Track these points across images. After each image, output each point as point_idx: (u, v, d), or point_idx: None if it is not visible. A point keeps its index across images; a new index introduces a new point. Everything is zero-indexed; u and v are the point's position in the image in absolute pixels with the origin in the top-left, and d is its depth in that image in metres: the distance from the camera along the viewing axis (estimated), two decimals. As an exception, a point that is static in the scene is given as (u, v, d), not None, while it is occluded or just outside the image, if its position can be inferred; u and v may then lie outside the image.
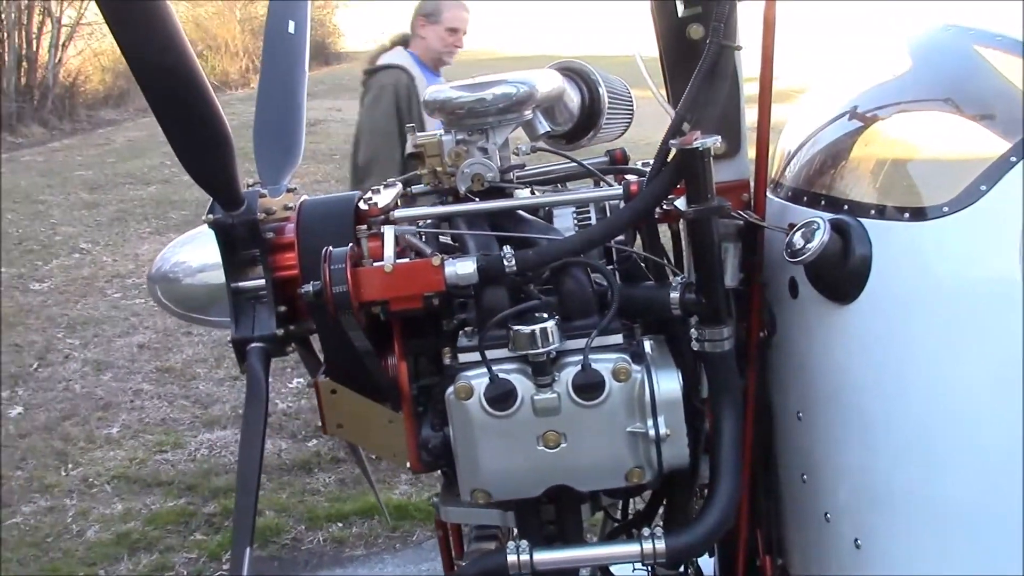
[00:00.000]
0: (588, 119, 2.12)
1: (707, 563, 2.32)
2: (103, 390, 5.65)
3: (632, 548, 1.70)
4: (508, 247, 1.71)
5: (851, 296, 1.68)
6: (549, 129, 2.00)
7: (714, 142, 1.62)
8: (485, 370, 1.66)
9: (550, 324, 1.64)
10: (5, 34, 20.14)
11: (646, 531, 1.71)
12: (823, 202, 1.78)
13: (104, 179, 11.94)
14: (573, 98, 2.08)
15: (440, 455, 1.77)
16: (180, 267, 2.11)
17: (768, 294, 1.93)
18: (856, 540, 1.76)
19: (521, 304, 1.69)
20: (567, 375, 1.66)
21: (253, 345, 1.94)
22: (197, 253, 2.09)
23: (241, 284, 1.96)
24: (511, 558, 1.71)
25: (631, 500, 2.14)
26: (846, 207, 1.72)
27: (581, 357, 1.66)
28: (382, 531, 3.97)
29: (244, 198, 1.92)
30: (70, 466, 4.72)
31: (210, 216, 1.90)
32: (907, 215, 1.62)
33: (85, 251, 8.97)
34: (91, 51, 23.09)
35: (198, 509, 4.27)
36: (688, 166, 1.64)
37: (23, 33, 20.32)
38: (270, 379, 1.92)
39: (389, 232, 1.75)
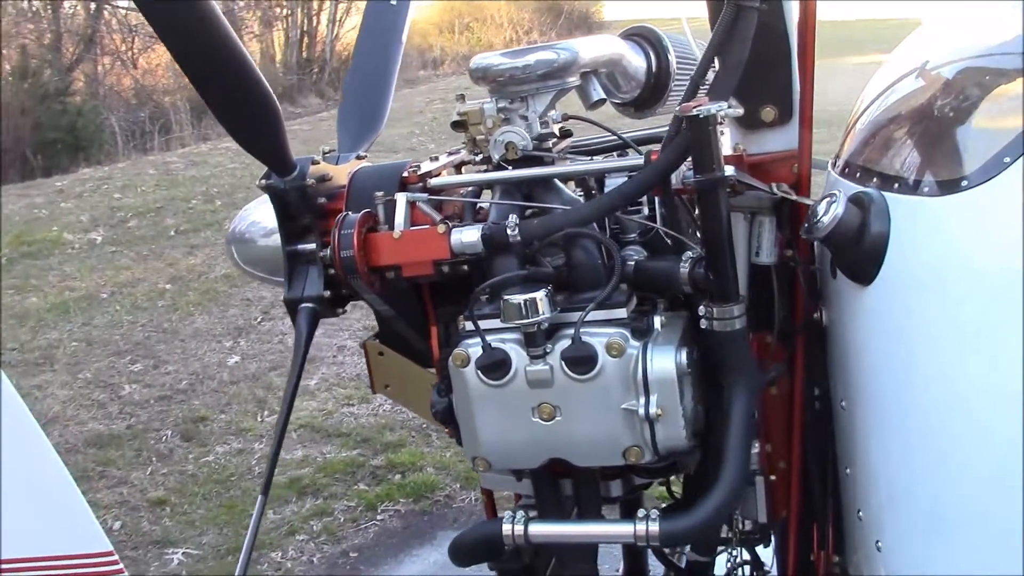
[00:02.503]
0: (656, 86, 2.04)
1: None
2: (312, 345, 6.02)
3: (626, 528, 1.65)
4: (514, 216, 1.70)
5: (870, 276, 1.53)
6: (603, 96, 1.93)
7: (719, 109, 1.53)
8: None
9: (539, 294, 1.61)
10: (288, 11, 21.73)
11: (641, 512, 1.65)
12: (858, 174, 1.64)
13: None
14: (637, 64, 2.01)
15: (444, 420, 1.79)
16: (255, 228, 2.21)
17: (819, 274, 1.80)
18: (877, 542, 1.63)
19: (515, 274, 1.66)
20: (559, 347, 1.62)
21: (303, 305, 2.02)
22: (271, 214, 2.19)
23: (298, 247, 2.04)
24: (506, 527, 1.71)
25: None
26: (874, 179, 1.57)
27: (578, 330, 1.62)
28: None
29: (296, 164, 1.99)
30: (266, 413, 5.09)
31: (263, 181, 1.99)
32: (926, 188, 1.46)
33: (325, 214, 9.54)
34: (365, 26, 24.39)
35: (367, 461, 4.50)
36: (692, 134, 1.55)
37: (304, 10, 21.84)
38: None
39: (401, 199, 1.77)
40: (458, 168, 2.10)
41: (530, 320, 1.61)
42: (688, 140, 1.57)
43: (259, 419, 5.04)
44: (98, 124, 16.61)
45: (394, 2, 2.50)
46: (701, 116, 1.52)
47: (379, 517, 4.05)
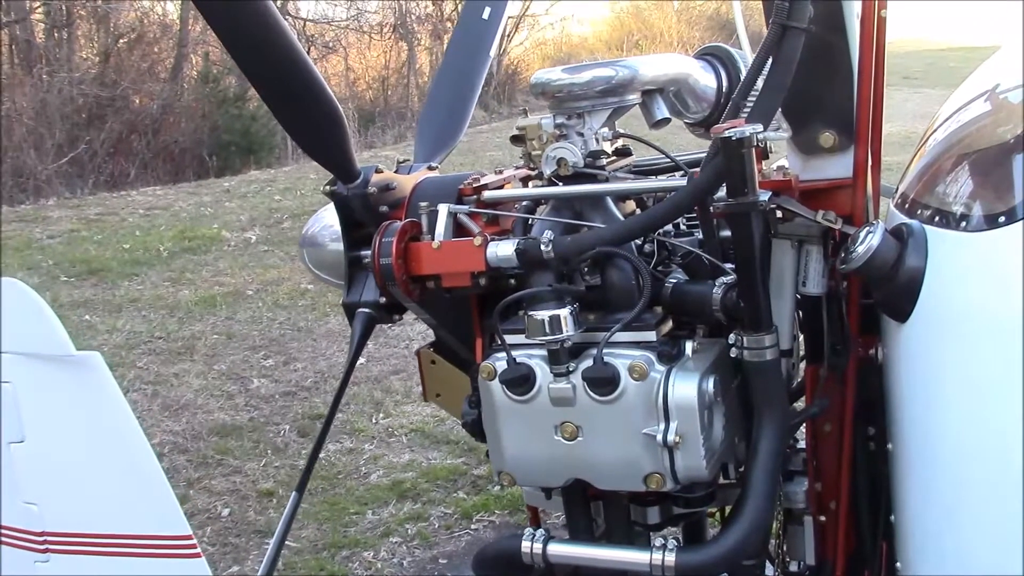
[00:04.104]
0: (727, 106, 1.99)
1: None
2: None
3: (642, 556, 1.61)
4: (548, 232, 1.69)
5: (905, 312, 1.45)
6: (667, 116, 1.90)
7: (754, 131, 1.48)
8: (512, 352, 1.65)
9: (564, 312, 1.59)
10: (450, 23, 22.16)
11: (659, 541, 1.61)
12: (907, 206, 1.56)
13: (510, 160, 12.75)
14: (706, 84, 1.97)
15: (473, 432, 1.79)
16: (325, 232, 2.27)
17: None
18: (907, 596, 1.54)
19: (538, 290, 1.65)
20: (583, 366, 1.60)
21: (360, 310, 2.06)
22: (341, 218, 2.24)
23: (359, 253, 2.08)
24: (525, 544, 1.70)
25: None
26: (920, 212, 1.49)
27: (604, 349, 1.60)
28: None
29: (360, 172, 2.03)
30: (381, 415, 5.20)
31: (327, 187, 2.04)
32: (965, 223, 1.37)
33: (469, 227, 9.72)
34: (533, 42, 24.74)
35: (469, 470, 4.54)
36: (725, 156, 1.51)
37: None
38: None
39: (443, 210, 1.79)
40: (525, 182, 2.11)
41: (554, 337, 1.60)
42: (720, 163, 1.53)
43: (373, 420, 5.15)
44: (270, 129, 17.32)
45: (485, 17, 2.52)
46: (734, 139, 1.48)
47: (473, 526, 4.08)
